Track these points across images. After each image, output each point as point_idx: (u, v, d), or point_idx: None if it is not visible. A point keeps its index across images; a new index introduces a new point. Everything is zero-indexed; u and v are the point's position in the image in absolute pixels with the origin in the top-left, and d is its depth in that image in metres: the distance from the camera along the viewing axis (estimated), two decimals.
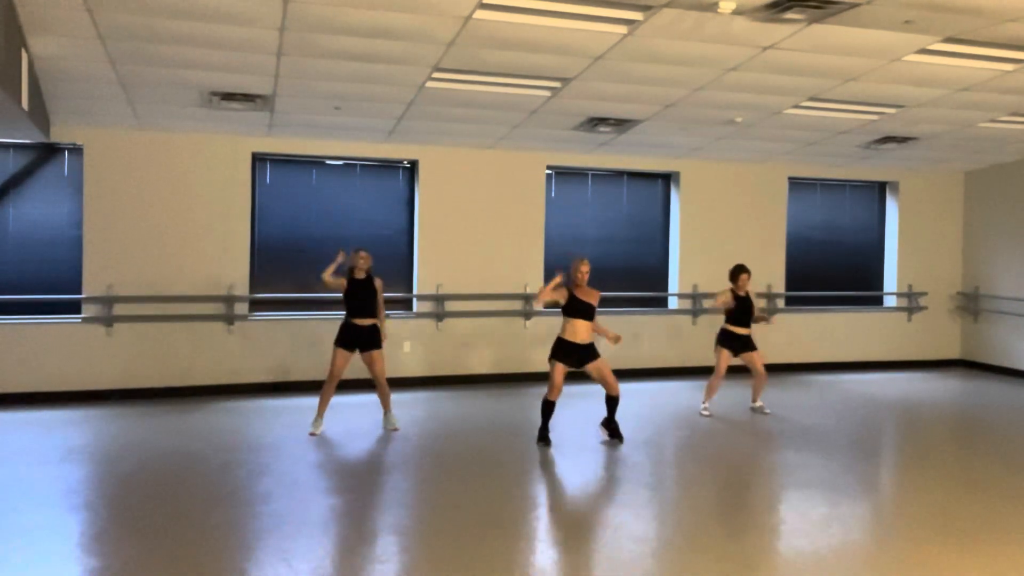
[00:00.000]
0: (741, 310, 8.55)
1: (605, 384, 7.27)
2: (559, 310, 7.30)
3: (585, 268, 7.18)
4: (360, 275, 7.54)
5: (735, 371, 9.44)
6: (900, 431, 8.56)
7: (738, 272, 8.54)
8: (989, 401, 9.88)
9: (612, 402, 7.33)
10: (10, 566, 4.46)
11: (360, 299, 7.51)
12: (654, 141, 9.75)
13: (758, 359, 8.63)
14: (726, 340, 8.61)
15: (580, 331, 7.15)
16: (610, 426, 7.39)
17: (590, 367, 7.19)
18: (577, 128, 8.97)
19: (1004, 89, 7.49)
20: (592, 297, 7.19)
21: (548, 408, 7.19)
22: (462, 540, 4.98)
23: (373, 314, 7.56)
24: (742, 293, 8.54)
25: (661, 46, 6.28)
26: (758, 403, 8.77)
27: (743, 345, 8.58)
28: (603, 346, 7.44)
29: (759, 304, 11.26)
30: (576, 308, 7.15)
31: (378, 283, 7.61)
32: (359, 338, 7.52)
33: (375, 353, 7.55)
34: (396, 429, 7.63)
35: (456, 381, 10.12)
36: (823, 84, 7.39)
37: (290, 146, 9.58)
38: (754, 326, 8.73)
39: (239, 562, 4.64)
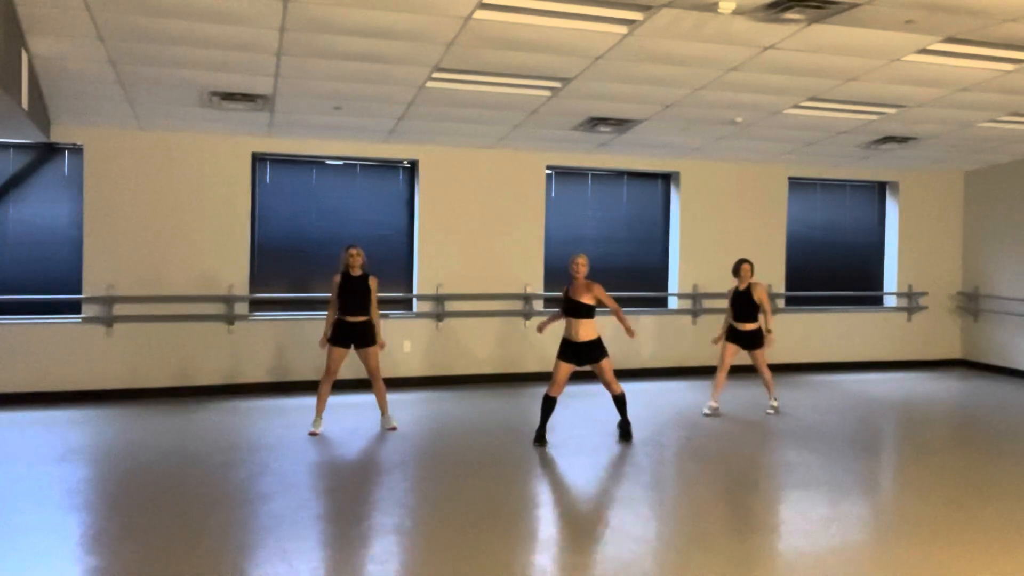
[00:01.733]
0: (738, 305, 8.50)
1: (605, 384, 7.28)
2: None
3: (580, 262, 7.17)
4: (356, 272, 7.53)
5: (738, 370, 9.44)
6: (900, 431, 8.56)
7: (738, 264, 8.52)
8: (989, 401, 9.88)
9: (618, 402, 7.34)
10: (10, 566, 4.46)
11: (354, 296, 7.48)
12: (654, 141, 9.75)
13: (759, 358, 8.54)
14: (729, 335, 8.58)
15: (577, 330, 7.11)
16: (622, 427, 7.38)
17: (595, 367, 7.19)
18: (577, 128, 8.97)
19: (1004, 89, 7.49)
20: (586, 295, 7.09)
21: (548, 405, 7.17)
22: (462, 540, 4.97)
23: (366, 311, 7.53)
24: (742, 287, 8.50)
25: (661, 46, 6.28)
26: (772, 402, 8.65)
27: (746, 342, 8.51)
28: (608, 341, 7.43)
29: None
30: (569, 307, 7.15)
31: (373, 282, 7.56)
32: (353, 335, 7.50)
33: (370, 350, 7.52)
34: (393, 428, 7.63)
35: (456, 381, 10.12)
36: (823, 84, 7.39)
37: (290, 146, 9.58)
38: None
39: (239, 562, 4.63)
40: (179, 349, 9.21)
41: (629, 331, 7.37)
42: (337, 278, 7.54)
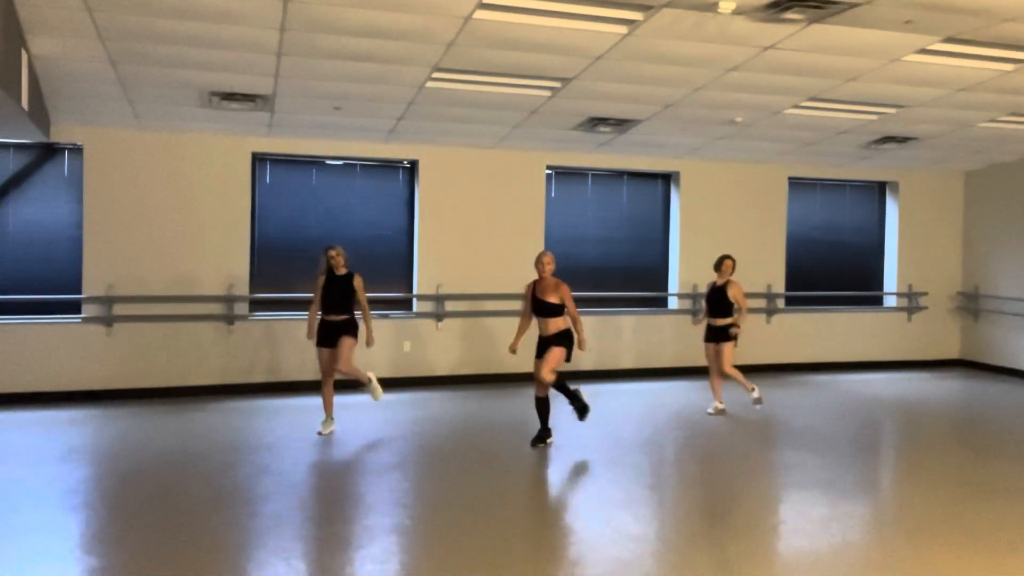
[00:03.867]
0: (713, 300, 8.53)
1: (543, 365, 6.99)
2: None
3: (545, 260, 7.01)
4: (340, 271, 7.52)
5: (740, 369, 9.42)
6: (900, 431, 8.56)
7: (721, 260, 8.53)
8: (989, 401, 9.88)
9: (556, 387, 7.01)
10: (10, 566, 4.46)
11: (335, 294, 7.47)
12: (654, 141, 9.75)
13: (724, 353, 8.42)
14: (705, 334, 8.63)
15: (547, 327, 7.04)
16: (573, 404, 7.09)
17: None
18: (577, 128, 8.97)
19: (1004, 89, 7.49)
20: (551, 294, 6.96)
21: (539, 405, 7.14)
22: (461, 540, 4.98)
23: (348, 310, 7.49)
24: (720, 283, 8.51)
25: (661, 46, 6.28)
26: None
27: (716, 336, 8.50)
28: (598, 341, 7.40)
29: (754, 303, 11.24)
30: (537, 307, 7.06)
31: (358, 280, 7.51)
32: (335, 333, 7.48)
33: (344, 339, 7.43)
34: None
35: (456, 381, 10.12)
36: (823, 84, 7.39)
37: (290, 146, 9.58)
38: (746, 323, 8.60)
39: (239, 562, 4.64)
40: (179, 349, 9.21)
41: (581, 343, 7.07)
42: (321, 279, 7.54)
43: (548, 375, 6.94)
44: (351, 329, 7.51)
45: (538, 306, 7.06)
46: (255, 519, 5.29)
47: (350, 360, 7.49)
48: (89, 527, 5.20)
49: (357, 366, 7.65)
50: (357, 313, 7.61)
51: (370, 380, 7.68)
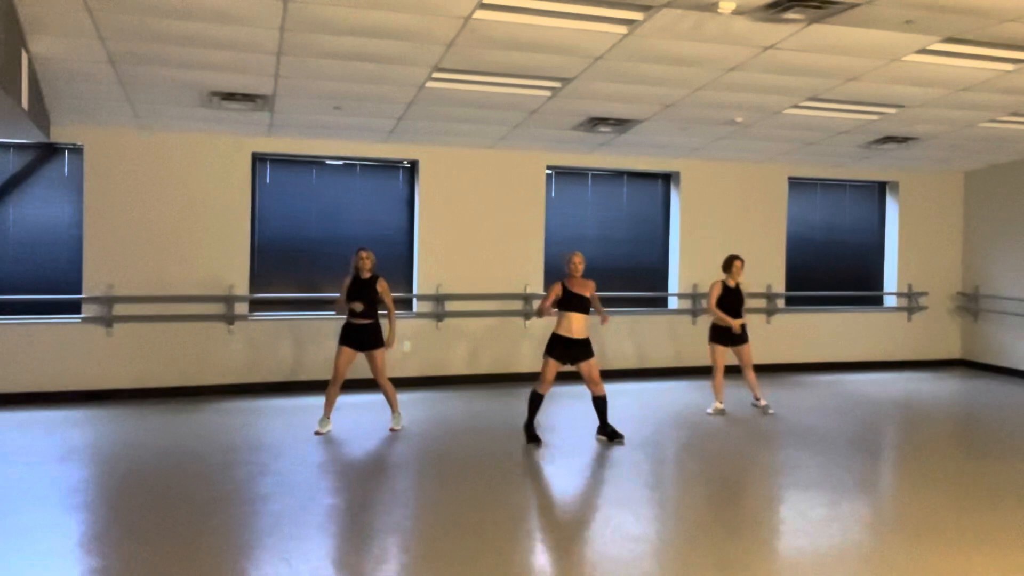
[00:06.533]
0: (731, 301, 8.55)
1: (591, 383, 7.25)
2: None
3: (577, 260, 7.28)
4: (365, 275, 7.53)
5: (735, 370, 9.43)
6: (900, 431, 8.56)
7: (730, 261, 8.56)
8: (989, 401, 9.88)
9: (599, 404, 7.31)
10: (10, 566, 4.46)
11: (359, 299, 7.49)
12: (654, 141, 9.75)
13: (746, 353, 8.59)
14: (716, 335, 8.63)
15: (574, 325, 7.16)
16: (605, 430, 7.34)
17: (581, 365, 7.20)
18: (577, 128, 8.97)
19: (1004, 89, 7.49)
20: (585, 289, 7.24)
21: (535, 400, 7.20)
22: (462, 540, 4.98)
23: (372, 314, 7.52)
24: (732, 284, 8.54)
25: (661, 46, 6.28)
26: (761, 401, 8.71)
27: (737, 338, 8.57)
28: (598, 341, 7.43)
29: (754, 303, 11.25)
30: (569, 301, 7.19)
31: (382, 284, 7.54)
32: (359, 337, 7.51)
33: (375, 352, 7.53)
34: (394, 429, 7.63)
35: (456, 381, 10.12)
36: (823, 84, 7.39)
37: (290, 146, 9.58)
38: (747, 318, 8.73)
39: (239, 562, 4.64)
40: (179, 349, 9.21)
41: (604, 318, 7.55)
42: (347, 280, 7.56)
43: (602, 389, 7.30)
44: (380, 339, 7.53)
45: (571, 300, 7.19)
46: (255, 519, 5.29)
47: (385, 371, 7.60)
48: (89, 527, 5.20)
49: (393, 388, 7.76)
50: (382, 312, 7.64)
51: (398, 411, 7.73)
